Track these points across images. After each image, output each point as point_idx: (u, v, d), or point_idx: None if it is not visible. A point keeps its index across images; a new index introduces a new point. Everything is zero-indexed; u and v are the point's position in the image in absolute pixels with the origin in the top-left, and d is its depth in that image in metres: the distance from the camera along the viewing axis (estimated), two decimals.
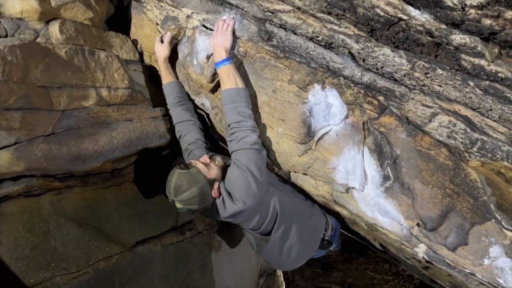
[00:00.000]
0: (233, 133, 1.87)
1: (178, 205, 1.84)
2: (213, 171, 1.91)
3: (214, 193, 1.90)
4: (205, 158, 1.96)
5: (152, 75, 2.63)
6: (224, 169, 1.96)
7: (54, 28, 2.03)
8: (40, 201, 1.90)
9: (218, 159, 2.01)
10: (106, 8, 2.40)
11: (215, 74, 2.08)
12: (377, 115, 1.82)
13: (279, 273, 3.73)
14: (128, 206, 2.34)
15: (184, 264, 2.62)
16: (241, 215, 1.96)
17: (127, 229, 2.29)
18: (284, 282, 3.85)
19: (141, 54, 2.57)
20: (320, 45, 1.80)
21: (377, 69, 1.70)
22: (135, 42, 2.55)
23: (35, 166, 1.84)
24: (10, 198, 1.80)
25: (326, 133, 1.91)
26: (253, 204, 1.89)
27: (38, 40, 1.98)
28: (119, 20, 2.62)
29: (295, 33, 1.83)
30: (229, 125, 1.90)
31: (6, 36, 1.91)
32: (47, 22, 2.07)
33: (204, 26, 2.10)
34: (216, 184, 1.90)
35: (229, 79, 1.89)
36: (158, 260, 2.43)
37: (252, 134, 1.85)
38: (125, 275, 2.22)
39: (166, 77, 2.21)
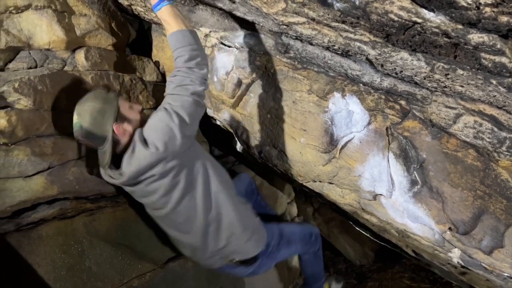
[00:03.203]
0: (176, 75, 1.62)
1: (74, 118, 1.62)
2: (133, 113, 1.71)
3: (116, 127, 1.63)
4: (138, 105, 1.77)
5: None
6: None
7: (80, 56, 2.12)
8: (74, 223, 1.96)
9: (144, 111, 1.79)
10: (128, 32, 2.49)
11: (235, 90, 2.11)
12: (400, 120, 1.80)
13: None
14: None
15: (216, 279, 2.63)
16: (150, 171, 1.61)
17: (158, 246, 2.33)
18: None
19: (163, 75, 2.65)
20: (337, 53, 1.81)
21: (396, 73, 1.69)
22: (157, 64, 2.62)
23: (68, 189, 1.91)
24: (46, 221, 1.87)
25: (349, 141, 1.90)
26: (168, 154, 1.58)
27: (66, 68, 2.07)
28: (141, 43, 2.71)
29: (311, 44, 1.85)
30: (176, 66, 1.66)
31: (36, 66, 2.01)
32: (73, 51, 2.16)
33: (222, 43, 2.15)
34: (126, 124, 1.66)
35: (176, 20, 1.64)
36: (190, 276, 2.45)
37: (199, 85, 1.62)
38: None
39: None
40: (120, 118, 1.65)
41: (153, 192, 1.71)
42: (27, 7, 2.01)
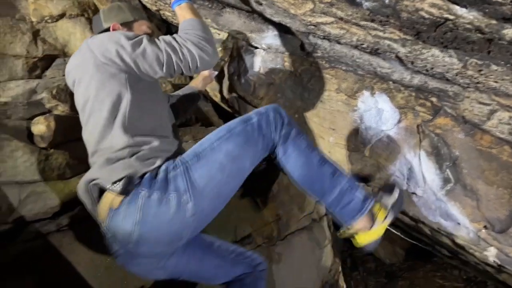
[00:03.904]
0: (174, 38, 1.45)
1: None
2: (141, 31, 1.70)
3: (114, 25, 1.64)
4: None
5: (203, 97, 2.74)
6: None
7: None
8: None
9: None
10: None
11: (263, 90, 2.13)
12: (431, 117, 1.78)
13: (342, 283, 3.66)
14: None
15: None
16: (77, 69, 1.49)
17: None
18: None
19: (191, 78, 2.69)
20: (366, 52, 1.80)
21: (427, 70, 1.67)
22: None
23: None
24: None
25: (379, 139, 1.89)
26: (92, 54, 1.40)
27: None
28: None
29: (339, 43, 1.85)
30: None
31: None
32: None
33: (249, 45, 2.17)
34: (123, 29, 1.66)
35: (194, 13, 1.56)
36: None
37: (180, 60, 1.41)
38: None
39: None
40: (127, 24, 1.69)
41: (77, 104, 1.54)
42: (62, 16, 2.09)
